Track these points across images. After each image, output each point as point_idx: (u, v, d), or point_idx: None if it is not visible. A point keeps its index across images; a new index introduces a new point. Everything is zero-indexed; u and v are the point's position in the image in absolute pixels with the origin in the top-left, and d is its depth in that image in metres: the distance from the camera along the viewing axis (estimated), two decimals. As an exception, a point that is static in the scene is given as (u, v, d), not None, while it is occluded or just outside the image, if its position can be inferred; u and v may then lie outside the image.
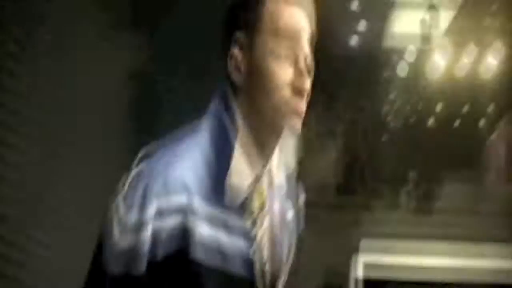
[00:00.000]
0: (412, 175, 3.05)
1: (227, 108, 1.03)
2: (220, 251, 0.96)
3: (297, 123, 1.04)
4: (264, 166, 1.05)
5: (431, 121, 3.60)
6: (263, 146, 1.05)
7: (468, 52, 3.36)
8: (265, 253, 1.03)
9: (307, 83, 1.03)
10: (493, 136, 3.07)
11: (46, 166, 2.07)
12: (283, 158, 1.12)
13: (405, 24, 3.48)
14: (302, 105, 1.03)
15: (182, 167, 0.97)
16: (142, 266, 0.92)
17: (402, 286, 2.48)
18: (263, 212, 1.03)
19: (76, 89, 2.18)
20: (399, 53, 3.82)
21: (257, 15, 1.02)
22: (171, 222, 0.94)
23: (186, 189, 0.95)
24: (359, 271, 2.50)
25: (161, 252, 0.93)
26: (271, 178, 1.08)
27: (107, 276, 0.93)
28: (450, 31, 3.44)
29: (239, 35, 1.02)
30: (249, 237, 0.99)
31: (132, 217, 0.93)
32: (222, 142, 1.02)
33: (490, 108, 3.40)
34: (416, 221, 2.88)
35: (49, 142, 2.11)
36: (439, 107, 3.62)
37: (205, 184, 0.97)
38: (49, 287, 2.03)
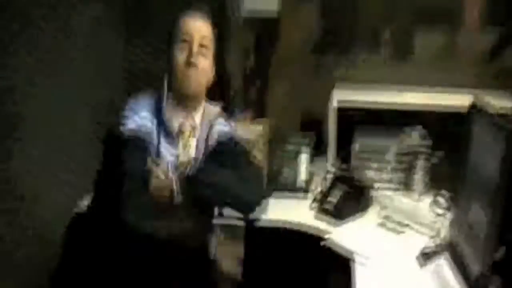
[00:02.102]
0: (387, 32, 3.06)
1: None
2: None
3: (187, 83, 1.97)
4: (187, 115, 2.02)
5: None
6: (183, 104, 2.02)
7: None
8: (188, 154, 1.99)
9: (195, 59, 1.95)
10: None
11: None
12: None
13: None
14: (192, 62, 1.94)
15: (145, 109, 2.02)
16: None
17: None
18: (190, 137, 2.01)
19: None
20: None
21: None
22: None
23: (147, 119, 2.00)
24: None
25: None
26: (195, 123, 2.03)
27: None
28: None
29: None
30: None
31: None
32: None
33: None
34: (391, 72, 2.96)
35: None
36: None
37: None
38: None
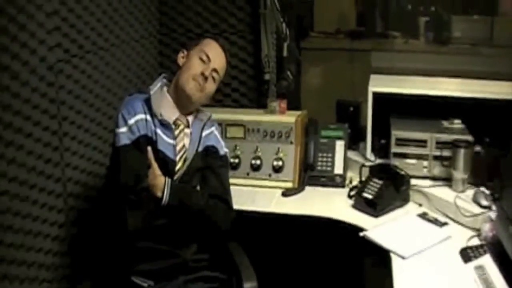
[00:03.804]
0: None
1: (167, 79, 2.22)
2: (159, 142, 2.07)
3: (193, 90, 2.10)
4: (181, 114, 2.15)
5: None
6: (181, 103, 2.14)
7: None
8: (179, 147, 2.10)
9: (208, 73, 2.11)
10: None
11: None
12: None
13: None
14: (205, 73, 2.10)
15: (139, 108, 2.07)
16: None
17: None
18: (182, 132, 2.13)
19: None
20: None
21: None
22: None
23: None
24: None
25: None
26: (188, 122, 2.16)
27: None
28: None
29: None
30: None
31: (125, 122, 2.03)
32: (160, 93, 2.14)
33: None
34: (429, 59, 2.90)
35: None
36: None
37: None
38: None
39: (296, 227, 2.42)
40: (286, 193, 2.49)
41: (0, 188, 1.82)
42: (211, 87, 2.14)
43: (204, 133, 2.18)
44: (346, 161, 2.60)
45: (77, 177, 2.24)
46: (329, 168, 2.58)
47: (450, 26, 3.19)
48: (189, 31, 2.97)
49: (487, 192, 2.18)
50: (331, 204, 2.39)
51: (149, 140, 2.03)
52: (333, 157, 2.59)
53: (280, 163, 2.55)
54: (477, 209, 2.14)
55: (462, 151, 2.30)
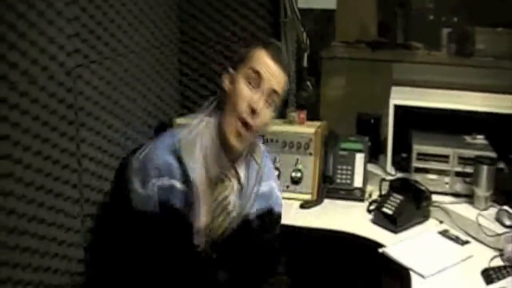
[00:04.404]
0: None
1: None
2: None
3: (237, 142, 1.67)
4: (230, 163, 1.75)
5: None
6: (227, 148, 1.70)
7: None
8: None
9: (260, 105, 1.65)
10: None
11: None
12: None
13: None
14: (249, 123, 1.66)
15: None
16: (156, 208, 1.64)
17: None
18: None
19: None
20: None
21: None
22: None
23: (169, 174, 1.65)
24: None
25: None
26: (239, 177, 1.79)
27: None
28: None
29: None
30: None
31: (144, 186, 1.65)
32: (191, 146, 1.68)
33: None
34: (451, 72, 2.86)
35: None
36: None
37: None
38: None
39: (314, 239, 2.38)
40: (305, 205, 2.44)
41: (17, 193, 1.80)
42: (266, 115, 1.71)
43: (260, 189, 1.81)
44: (366, 175, 2.56)
45: (94, 183, 2.22)
46: (348, 181, 2.53)
47: (474, 38, 3.14)
48: (209, 39, 2.95)
49: (511, 211, 2.12)
50: (350, 218, 2.35)
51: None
52: (352, 170, 2.55)
53: (298, 174, 2.51)
54: (500, 229, 2.09)
55: (485, 168, 2.25)
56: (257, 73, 1.67)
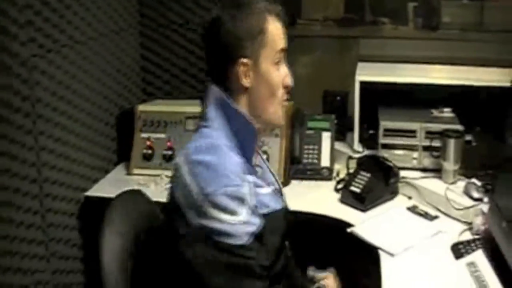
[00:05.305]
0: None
1: (234, 111, 1.47)
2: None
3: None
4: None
5: None
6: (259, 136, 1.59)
7: None
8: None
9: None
10: None
11: None
12: None
13: None
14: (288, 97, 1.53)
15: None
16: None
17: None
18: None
19: None
20: None
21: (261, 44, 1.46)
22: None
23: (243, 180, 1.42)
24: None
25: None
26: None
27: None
28: None
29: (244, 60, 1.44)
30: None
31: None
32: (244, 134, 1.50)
33: None
34: (418, 47, 2.84)
35: None
36: None
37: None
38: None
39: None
40: (272, 187, 2.41)
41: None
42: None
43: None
44: (333, 153, 2.53)
45: (54, 176, 2.17)
46: (315, 161, 2.50)
47: (440, 11, 3.11)
48: (172, 22, 2.88)
49: (479, 183, 2.11)
50: (318, 198, 2.33)
51: None
52: (319, 149, 2.51)
53: (264, 156, 2.47)
54: (468, 202, 2.08)
55: (452, 141, 2.23)
56: (283, 50, 1.49)
